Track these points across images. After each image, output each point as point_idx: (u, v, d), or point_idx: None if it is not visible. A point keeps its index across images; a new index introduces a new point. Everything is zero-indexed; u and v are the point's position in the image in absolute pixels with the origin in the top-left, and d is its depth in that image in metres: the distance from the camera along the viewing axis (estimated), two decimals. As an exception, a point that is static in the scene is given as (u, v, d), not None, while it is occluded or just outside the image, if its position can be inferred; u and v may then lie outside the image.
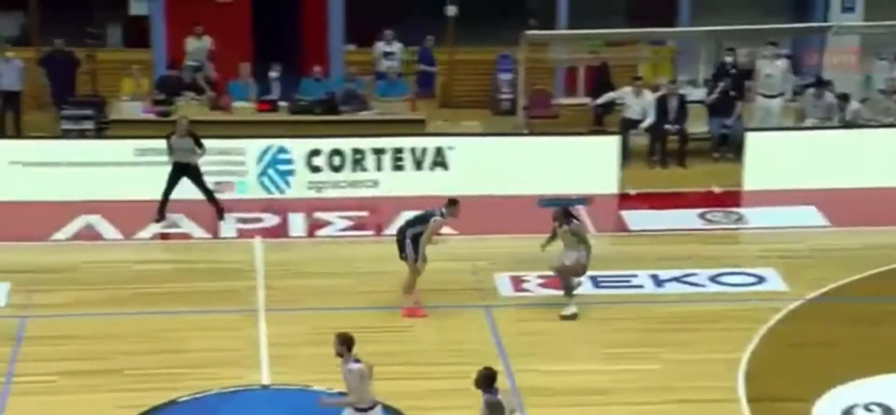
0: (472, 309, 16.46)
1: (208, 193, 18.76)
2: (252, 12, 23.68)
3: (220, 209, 18.87)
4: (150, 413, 13.82)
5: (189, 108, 21.55)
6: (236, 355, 15.14)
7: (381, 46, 23.09)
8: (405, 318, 16.01)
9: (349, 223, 19.18)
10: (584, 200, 18.52)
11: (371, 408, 12.50)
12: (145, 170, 19.02)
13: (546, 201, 19.57)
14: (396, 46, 23.08)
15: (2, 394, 14.07)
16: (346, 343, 12.47)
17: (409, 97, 22.43)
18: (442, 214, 15.99)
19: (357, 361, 12.43)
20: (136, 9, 23.58)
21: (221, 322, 15.97)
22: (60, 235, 18.51)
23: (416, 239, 15.85)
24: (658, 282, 17.36)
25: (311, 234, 18.85)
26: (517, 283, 17.02)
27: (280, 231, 18.97)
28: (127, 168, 19.48)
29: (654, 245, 18.74)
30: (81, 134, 20.58)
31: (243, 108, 21.80)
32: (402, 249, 15.97)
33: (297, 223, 19.11)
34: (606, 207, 19.96)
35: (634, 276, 17.53)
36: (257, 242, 18.43)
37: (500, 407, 11.89)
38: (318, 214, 19.36)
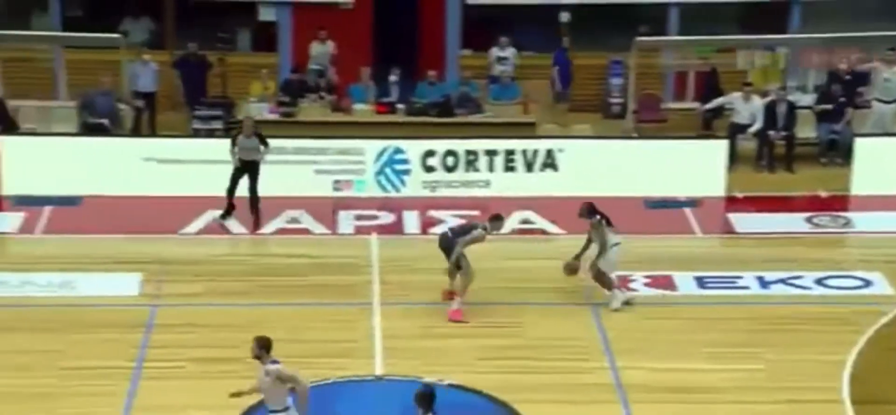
0: (580, 307, 16.30)
1: (256, 196, 18.72)
2: (373, 19, 23.77)
3: (257, 217, 18.79)
4: (272, 400, 13.97)
5: (312, 109, 21.75)
6: (352, 347, 15.22)
7: (495, 52, 23.03)
8: (451, 321, 15.78)
9: (462, 222, 19.05)
10: (693, 202, 18.25)
11: (284, 410, 12.15)
12: (270, 168, 19.21)
13: (654, 203, 19.41)
14: (510, 52, 23.00)
15: (133, 378, 14.29)
16: (263, 346, 12.14)
17: (522, 100, 22.32)
18: (485, 228, 15.94)
19: (275, 362, 12.09)
20: (265, 15, 23.79)
21: (338, 314, 16.04)
22: (190, 228, 18.72)
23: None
24: (764, 284, 17.02)
25: (424, 231, 18.83)
26: (623, 282, 16.81)
27: (395, 228, 19.01)
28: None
29: (761, 248, 18.38)
30: (210, 133, 20.85)
31: (363, 110, 21.91)
32: (449, 252, 15.88)
33: (411, 221, 19.14)
34: (713, 210, 19.69)
35: (740, 278, 17.21)
36: (373, 238, 18.48)
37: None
38: (432, 213, 19.34)
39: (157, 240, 18.29)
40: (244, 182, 18.66)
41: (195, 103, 21.77)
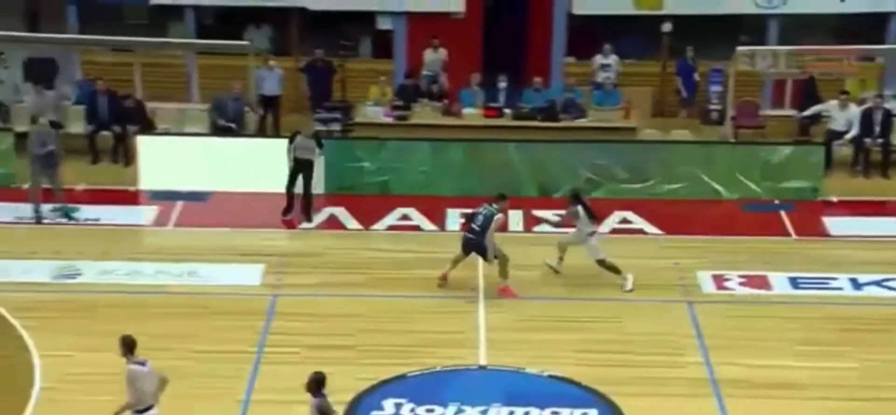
0: (676, 303, 16.10)
1: (309, 194, 18.77)
2: (483, 28, 23.79)
3: (308, 214, 18.83)
4: (382, 385, 13.99)
5: (424, 113, 21.82)
6: (458, 337, 15.22)
7: (598, 59, 22.87)
8: (500, 295, 16.07)
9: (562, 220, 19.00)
10: (788, 205, 17.88)
11: (147, 410, 11.90)
12: (383, 168, 19.33)
13: (751, 206, 19.09)
14: (613, 59, 22.82)
15: (254, 362, 14.47)
16: (127, 345, 11.89)
17: (624, 106, 22.12)
18: (498, 210, 16.05)
19: (141, 363, 11.85)
20: (383, 23, 23.96)
21: (445, 306, 16.05)
22: (308, 224, 18.88)
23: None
24: (857, 285, 16.63)
25: (527, 229, 18.76)
26: (719, 281, 16.57)
27: (501, 226, 18.83)
28: (367, 165, 19.87)
29: (855, 250, 17.93)
30: (329, 134, 21.08)
31: (472, 114, 21.90)
32: (483, 252, 15.99)
33: (516, 219, 19.06)
34: (809, 213, 19.25)
35: (834, 279, 16.83)
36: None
37: (329, 410, 11.53)
38: (536, 211, 19.26)
39: (279, 234, 18.52)
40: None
41: (320, 106, 21.96)
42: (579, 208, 16.37)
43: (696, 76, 22.91)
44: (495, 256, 16.01)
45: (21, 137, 19.73)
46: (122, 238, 18.02)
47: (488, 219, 15.98)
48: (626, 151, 20.13)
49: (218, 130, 21.21)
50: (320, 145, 18.77)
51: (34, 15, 23.52)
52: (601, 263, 16.33)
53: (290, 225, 18.71)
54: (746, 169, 19.71)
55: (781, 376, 14.16)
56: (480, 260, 16.40)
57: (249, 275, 16.76)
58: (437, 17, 23.40)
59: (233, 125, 21.24)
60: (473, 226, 16.15)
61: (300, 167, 18.62)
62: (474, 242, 16.09)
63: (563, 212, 16.88)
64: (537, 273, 16.63)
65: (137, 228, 18.75)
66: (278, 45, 24.12)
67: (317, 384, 11.53)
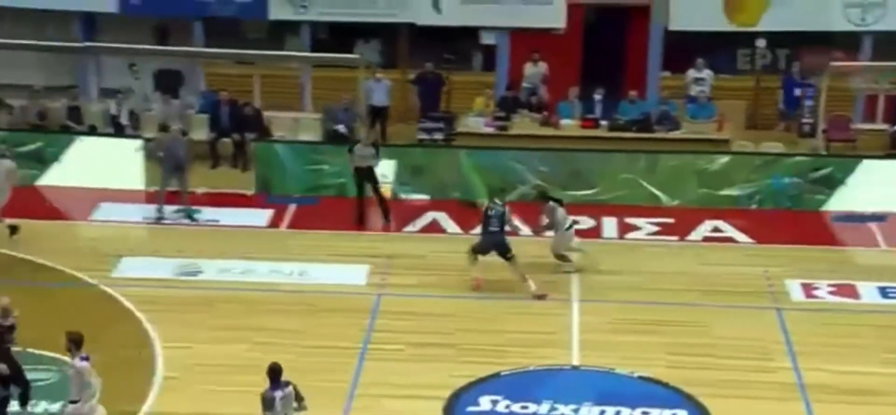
0: (765, 310, 15.88)
1: (381, 197, 18.92)
2: (582, 43, 23.74)
3: (386, 216, 18.91)
4: (479, 383, 14.03)
5: (523, 123, 21.83)
6: (552, 338, 15.22)
7: (692, 73, 22.61)
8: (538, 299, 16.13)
9: (656, 229, 18.90)
10: (878, 217, 17.51)
11: (75, 402, 11.67)
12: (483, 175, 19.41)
13: (840, 217, 18.73)
14: (706, 73, 22.54)
15: (359, 357, 14.63)
16: (74, 341, 11.75)
17: (717, 119, 21.86)
18: (503, 206, 16.44)
19: (84, 358, 11.68)
20: (486, 39, 24.01)
21: (539, 308, 16.05)
22: (411, 227, 19.02)
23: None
24: (946, 296, 16.25)
25: (621, 236, 18.67)
26: (808, 289, 16.30)
27: (594, 233, 18.81)
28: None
29: (945, 262, 17.52)
30: (433, 143, 21.19)
31: (569, 125, 21.84)
32: (505, 250, 16.17)
33: (610, 226, 18.98)
34: (899, 225, 18.86)
35: (923, 289, 16.47)
36: (575, 240, 18.34)
37: (272, 403, 11.31)
38: (629, 219, 19.17)
39: (383, 237, 18.66)
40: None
41: (429, 115, 22.14)
42: (552, 204, 16.59)
43: (798, 91, 22.44)
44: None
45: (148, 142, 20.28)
46: (238, 239, 18.34)
47: (502, 216, 16.23)
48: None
49: (330, 138, 21.50)
50: (377, 152, 18.92)
51: (164, 30, 24.16)
52: (560, 256, 16.65)
53: (386, 230, 18.87)
54: (837, 181, 19.33)
55: (869, 383, 13.89)
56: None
57: (355, 275, 16.93)
58: (538, 32, 23.38)
59: (343, 130, 21.49)
60: (490, 227, 16.32)
61: (362, 175, 18.77)
62: (502, 242, 16.17)
63: (543, 219, 16.94)
64: (626, 279, 16.52)
65: (253, 229, 19.00)
66: (387, 58, 24.31)
67: (272, 374, 11.45)
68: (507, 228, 16.38)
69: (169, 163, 18.89)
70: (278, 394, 11.42)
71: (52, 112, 21.71)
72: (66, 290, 16.27)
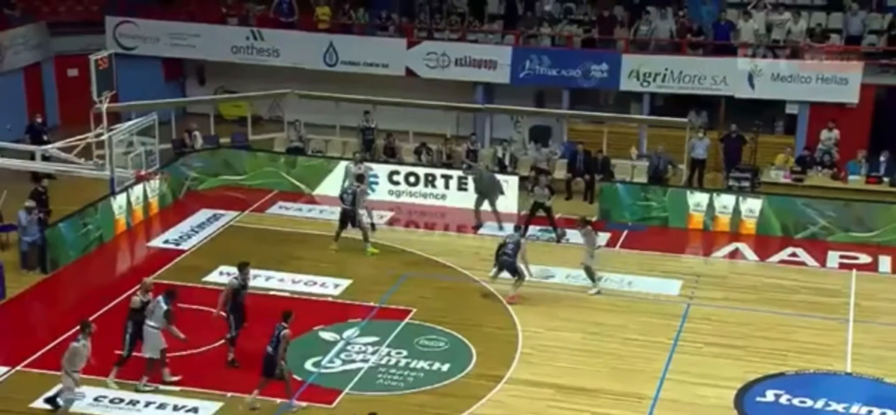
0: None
1: (554, 224, 18.60)
2: (872, 115, 22.02)
3: (559, 235, 18.43)
4: (766, 379, 13.58)
5: (816, 178, 20.57)
6: (829, 349, 14.42)
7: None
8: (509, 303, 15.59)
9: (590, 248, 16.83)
10: None
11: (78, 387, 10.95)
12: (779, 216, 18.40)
13: None
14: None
15: (670, 352, 14.48)
16: (80, 327, 11.14)
17: None
18: (522, 237, 16.01)
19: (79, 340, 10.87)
20: (791, 109, 22.87)
21: (821, 325, 15.22)
22: (717, 254, 18.29)
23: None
24: None
25: (893, 271, 17.18)
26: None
27: (871, 267, 17.55)
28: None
29: None
30: (740, 191, 20.42)
31: (856, 180, 20.36)
32: (513, 271, 15.65)
33: (884, 263, 17.46)
34: None
35: None
36: (853, 273, 17.32)
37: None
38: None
39: (692, 259, 18.29)
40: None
41: (730, 168, 21.42)
42: (590, 228, 15.86)
43: None
44: (520, 274, 15.67)
45: (524, 179, 20.83)
46: (581, 253, 17.99)
47: (516, 244, 15.67)
48: None
49: (653, 179, 21.24)
50: (552, 192, 18.85)
51: (541, 96, 24.87)
52: (589, 270, 16.13)
53: (561, 235, 18.57)
54: None
55: None
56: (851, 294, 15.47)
57: (670, 287, 16.73)
58: (834, 105, 21.95)
59: (662, 172, 21.15)
60: (506, 251, 15.76)
61: (537, 207, 18.68)
62: (508, 263, 15.61)
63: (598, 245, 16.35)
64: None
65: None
66: (710, 121, 23.78)
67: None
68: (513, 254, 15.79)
69: (482, 188, 19.49)
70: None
71: (455, 154, 22.99)
72: (459, 283, 16.91)
